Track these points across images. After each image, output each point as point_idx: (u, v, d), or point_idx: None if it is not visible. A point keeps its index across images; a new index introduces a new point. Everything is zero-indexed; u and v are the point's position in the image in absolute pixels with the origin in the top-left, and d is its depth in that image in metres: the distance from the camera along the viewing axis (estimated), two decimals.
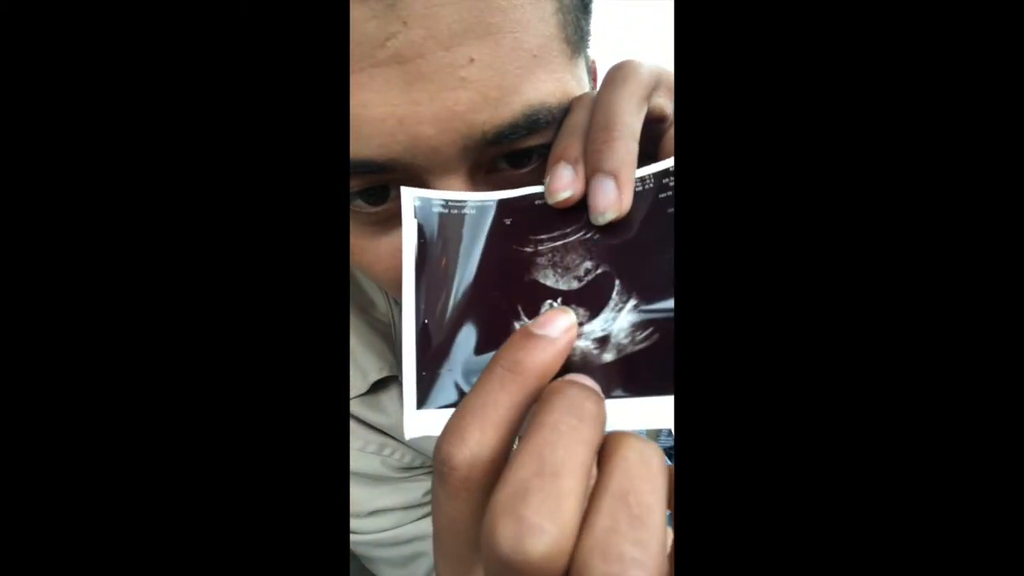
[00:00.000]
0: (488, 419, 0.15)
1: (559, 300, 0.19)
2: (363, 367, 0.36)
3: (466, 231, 0.21)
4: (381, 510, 0.37)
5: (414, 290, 0.20)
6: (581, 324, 0.19)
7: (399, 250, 0.21)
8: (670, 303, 0.18)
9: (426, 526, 0.38)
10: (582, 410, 0.15)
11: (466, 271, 0.20)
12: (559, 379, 0.17)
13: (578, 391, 0.16)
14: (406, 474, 0.39)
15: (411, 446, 0.39)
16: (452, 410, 0.16)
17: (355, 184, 0.22)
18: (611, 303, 0.19)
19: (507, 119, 0.21)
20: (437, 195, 0.21)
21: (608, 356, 0.18)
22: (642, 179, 0.20)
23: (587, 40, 0.26)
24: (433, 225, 0.21)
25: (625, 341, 0.18)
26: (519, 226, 0.21)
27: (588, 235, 0.20)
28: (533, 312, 0.19)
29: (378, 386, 0.36)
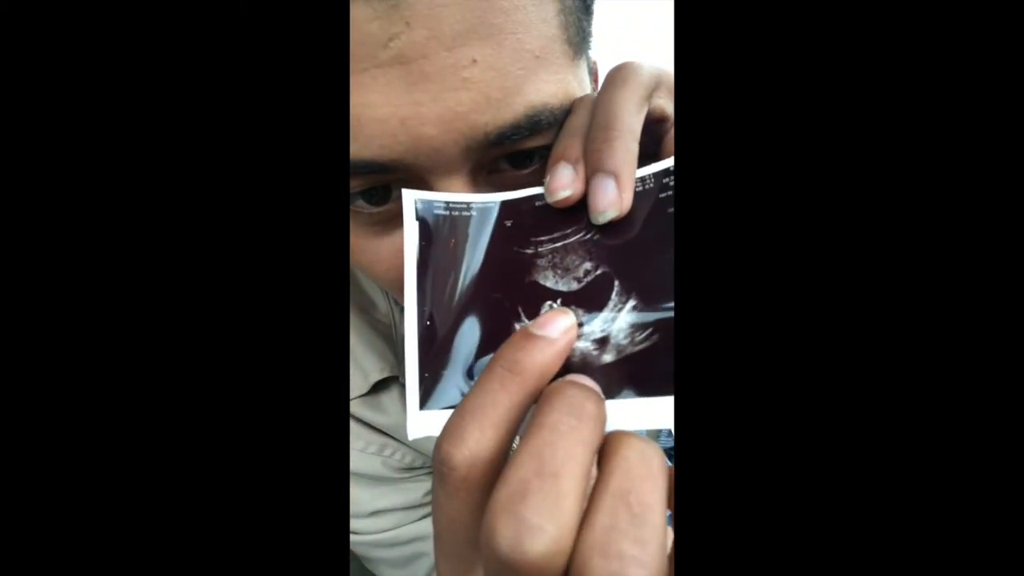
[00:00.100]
0: (487, 419, 0.15)
1: (559, 301, 0.19)
2: (364, 367, 0.36)
3: (467, 233, 0.21)
4: (382, 510, 0.37)
5: (416, 291, 0.20)
6: (581, 325, 0.19)
7: (400, 251, 0.21)
8: (670, 304, 0.18)
9: (427, 526, 0.38)
10: (582, 410, 0.15)
11: (467, 273, 0.20)
12: (559, 379, 0.17)
13: (578, 391, 0.16)
14: (407, 474, 0.39)
15: (412, 446, 0.39)
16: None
17: (357, 184, 0.22)
18: (610, 304, 0.19)
19: (509, 120, 0.21)
20: (438, 197, 0.21)
21: (608, 357, 0.18)
22: (642, 179, 0.20)
23: (589, 41, 0.26)
24: (434, 227, 0.21)
25: (625, 342, 0.18)
26: (519, 227, 0.21)
27: (588, 236, 0.20)
28: (533, 313, 0.19)
29: (379, 387, 0.36)
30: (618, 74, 0.21)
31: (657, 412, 0.17)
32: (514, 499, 0.14)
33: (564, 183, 0.20)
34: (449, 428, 0.16)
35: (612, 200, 0.19)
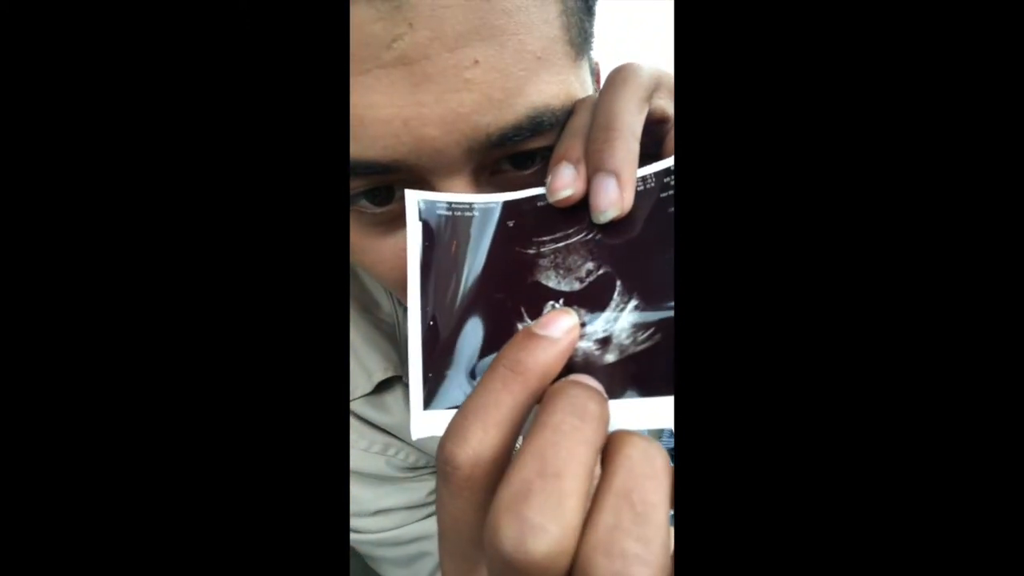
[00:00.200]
0: (490, 418, 0.16)
1: (561, 301, 0.19)
2: (367, 367, 0.36)
3: (469, 233, 0.21)
4: (385, 510, 0.37)
5: (419, 292, 0.20)
6: (583, 325, 0.19)
7: (403, 251, 0.21)
8: (671, 303, 0.18)
9: (430, 526, 0.38)
10: (585, 410, 0.15)
11: (470, 273, 0.21)
12: (562, 379, 0.17)
13: (581, 391, 0.16)
14: (410, 474, 0.39)
15: (415, 446, 0.39)
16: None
17: (360, 185, 0.22)
18: (612, 304, 0.19)
19: (511, 121, 0.21)
20: (441, 197, 0.21)
21: (610, 357, 0.18)
22: (643, 179, 0.20)
23: (590, 42, 0.26)
24: (436, 227, 0.21)
25: (627, 342, 0.18)
26: (522, 228, 0.21)
27: (590, 236, 0.20)
28: (536, 313, 0.19)
29: (382, 386, 0.37)
30: (618, 75, 0.21)
31: (659, 412, 0.17)
32: (517, 499, 0.14)
33: (565, 183, 0.20)
34: (452, 428, 0.16)
35: (613, 199, 0.19)
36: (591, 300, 0.19)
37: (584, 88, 0.24)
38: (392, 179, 0.22)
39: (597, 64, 0.31)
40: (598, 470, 0.15)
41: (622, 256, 0.20)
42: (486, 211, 0.21)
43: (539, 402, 0.16)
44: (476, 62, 0.20)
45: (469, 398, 0.16)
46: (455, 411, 0.16)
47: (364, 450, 0.37)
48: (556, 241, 0.20)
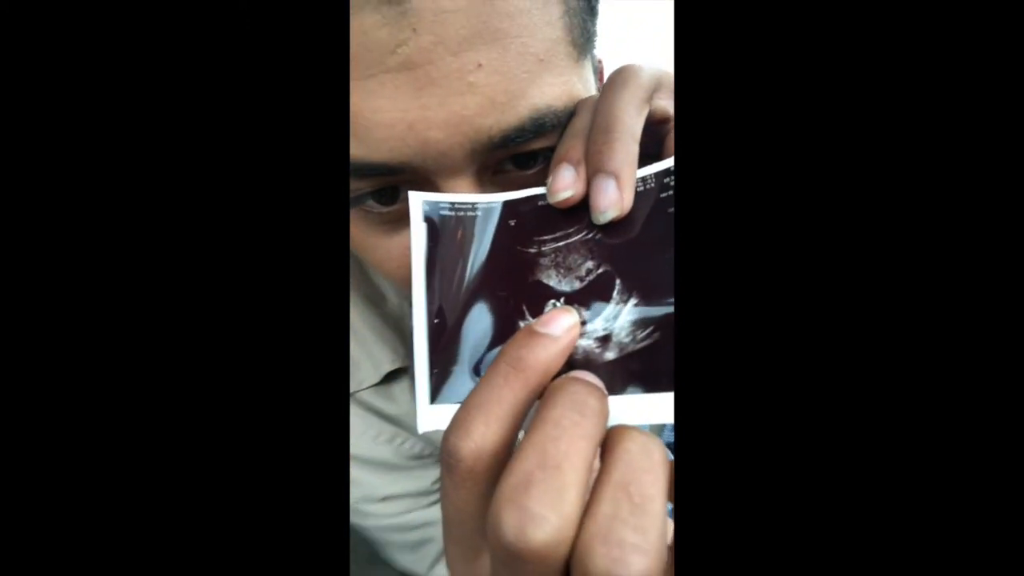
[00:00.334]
0: (492, 413, 0.16)
1: (562, 299, 0.20)
2: (376, 358, 0.37)
3: (473, 233, 0.22)
4: (392, 496, 0.38)
5: (424, 290, 0.21)
6: (584, 323, 0.19)
7: (409, 249, 0.21)
8: (671, 301, 0.19)
9: (436, 512, 0.39)
10: (585, 406, 0.16)
11: (473, 271, 0.21)
12: (563, 376, 0.17)
13: (581, 387, 0.16)
14: (417, 462, 0.40)
15: (421, 436, 0.39)
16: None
17: (366, 185, 0.23)
18: (612, 302, 0.19)
19: (514, 123, 0.21)
20: (444, 198, 0.22)
21: (610, 354, 0.19)
22: (643, 179, 0.21)
23: (593, 41, 0.26)
24: (440, 227, 0.21)
25: (627, 340, 0.19)
26: (523, 227, 0.21)
27: (590, 236, 0.20)
28: (538, 311, 0.20)
29: (390, 377, 0.37)
30: (619, 76, 0.22)
31: (659, 407, 0.18)
32: (518, 490, 0.14)
33: (566, 184, 0.20)
34: (456, 421, 0.16)
35: (613, 200, 0.19)
36: (591, 299, 0.20)
37: (587, 87, 0.25)
38: (398, 180, 0.23)
39: (600, 62, 0.31)
40: (598, 463, 0.16)
41: (622, 255, 0.20)
42: (488, 210, 0.22)
43: (540, 397, 0.17)
44: (479, 65, 0.20)
45: (472, 393, 0.17)
46: (457, 407, 0.17)
47: (372, 439, 0.38)
48: (557, 240, 0.21)
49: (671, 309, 0.18)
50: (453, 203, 0.22)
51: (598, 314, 0.19)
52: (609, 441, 0.16)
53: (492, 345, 0.20)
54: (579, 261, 0.20)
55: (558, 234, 0.21)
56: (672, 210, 0.20)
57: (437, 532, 0.40)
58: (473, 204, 0.22)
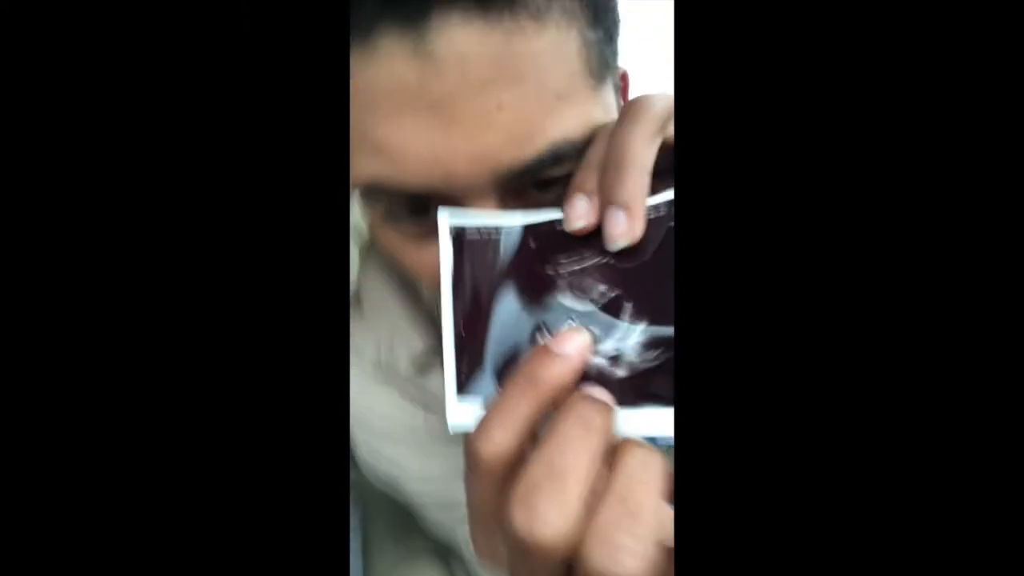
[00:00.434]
0: (509, 422, 0.19)
1: (576, 320, 0.22)
2: (409, 340, 0.40)
3: (497, 251, 0.24)
4: (428, 477, 0.42)
5: (451, 302, 0.23)
6: (596, 343, 0.21)
7: (437, 261, 0.24)
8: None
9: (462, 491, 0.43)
10: (591, 423, 0.19)
11: (497, 287, 0.24)
12: (576, 392, 0.20)
13: (589, 406, 0.19)
14: (450, 446, 0.43)
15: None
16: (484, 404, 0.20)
17: (401, 201, 0.26)
18: (623, 323, 0.22)
19: (532, 156, 0.23)
20: (471, 222, 0.24)
21: (621, 371, 0.21)
22: (655, 207, 0.22)
23: (613, 65, 0.27)
24: (467, 246, 0.24)
25: (636, 359, 0.21)
26: (542, 250, 0.24)
27: (603, 260, 0.23)
28: (554, 328, 0.22)
29: (423, 366, 0.41)
30: (633, 108, 0.23)
31: (666, 421, 0.20)
32: (528, 493, 0.17)
33: (580, 214, 0.22)
34: (479, 427, 0.19)
35: (623, 231, 0.21)
36: (604, 319, 0.22)
37: (607, 111, 0.26)
38: (428, 199, 0.25)
39: (624, 72, 0.32)
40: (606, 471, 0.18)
41: (632, 280, 0.22)
42: (511, 232, 0.24)
43: (555, 410, 0.20)
44: (500, 106, 0.22)
45: (494, 403, 0.20)
46: (481, 404, 0.19)
47: (408, 420, 0.42)
48: (572, 264, 0.23)
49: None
50: (479, 227, 0.24)
51: (610, 334, 0.22)
52: (615, 454, 0.19)
53: (512, 353, 0.23)
54: (593, 284, 0.23)
55: (574, 258, 0.23)
56: None
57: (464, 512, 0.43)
58: (498, 228, 0.24)
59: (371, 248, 0.42)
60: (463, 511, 0.22)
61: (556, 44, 0.23)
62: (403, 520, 0.49)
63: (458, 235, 0.24)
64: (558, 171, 0.24)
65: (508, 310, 0.23)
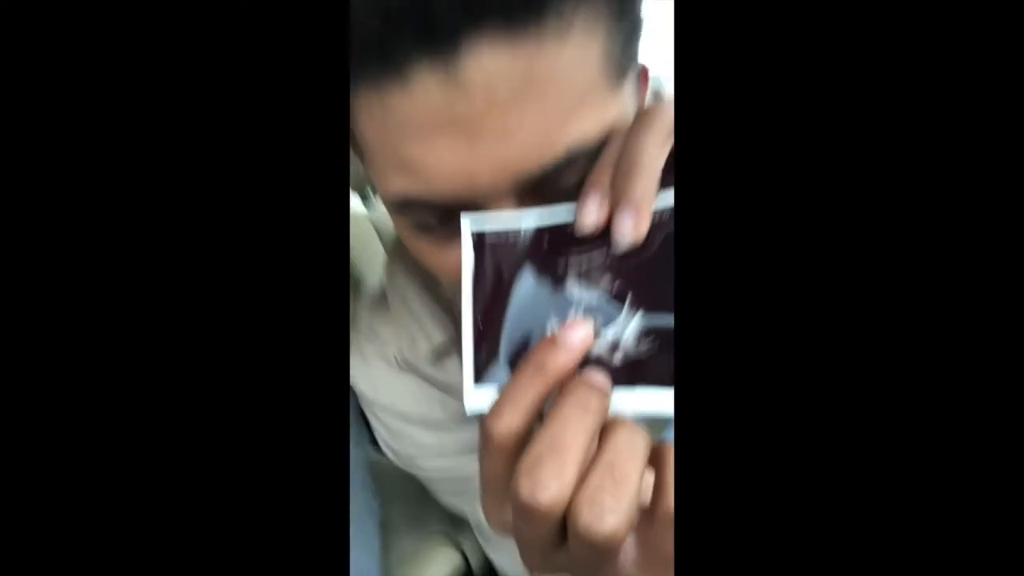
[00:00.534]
0: (518, 404, 0.21)
1: (582, 311, 0.24)
2: (429, 334, 0.43)
3: (513, 252, 0.26)
4: (444, 454, 0.45)
5: (471, 299, 0.26)
6: (597, 332, 0.23)
7: (459, 262, 0.26)
8: (671, 314, 0.23)
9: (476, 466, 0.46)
10: (588, 405, 0.21)
11: (513, 282, 0.26)
12: (577, 377, 0.22)
13: (587, 391, 0.21)
14: (464, 425, 0.46)
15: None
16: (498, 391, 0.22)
17: (426, 212, 0.28)
18: (623, 314, 0.24)
19: (551, 161, 0.25)
20: (491, 227, 0.26)
21: (619, 356, 0.23)
22: (660, 212, 0.24)
23: (635, 62, 0.29)
24: (487, 248, 0.26)
25: (633, 345, 0.23)
26: (554, 245, 0.26)
27: (609, 256, 0.24)
28: (562, 319, 0.24)
29: (442, 352, 0.43)
30: (646, 114, 0.24)
31: (661, 400, 0.22)
32: (532, 465, 0.20)
33: (591, 214, 0.24)
34: (492, 409, 0.22)
35: (629, 231, 0.23)
36: (606, 310, 0.24)
37: (625, 109, 0.28)
38: (450, 205, 0.27)
39: (644, 68, 0.33)
40: (594, 445, 0.21)
41: (634, 274, 0.24)
42: (527, 233, 0.26)
43: (558, 392, 0.22)
44: (522, 121, 0.24)
45: (505, 388, 0.22)
46: (496, 391, 0.21)
47: (427, 402, 0.44)
48: (581, 259, 0.25)
49: (671, 320, 0.23)
50: (498, 232, 0.26)
51: (611, 323, 0.24)
52: (605, 429, 0.21)
53: (525, 342, 0.25)
54: (599, 277, 0.24)
55: (583, 254, 0.25)
56: None
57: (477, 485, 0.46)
58: (517, 230, 0.26)
59: (395, 254, 0.46)
60: (474, 484, 0.24)
61: (578, 56, 0.24)
62: (419, 504, 0.52)
63: (479, 239, 0.26)
64: (574, 169, 0.26)
65: (522, 304, 0.25)
